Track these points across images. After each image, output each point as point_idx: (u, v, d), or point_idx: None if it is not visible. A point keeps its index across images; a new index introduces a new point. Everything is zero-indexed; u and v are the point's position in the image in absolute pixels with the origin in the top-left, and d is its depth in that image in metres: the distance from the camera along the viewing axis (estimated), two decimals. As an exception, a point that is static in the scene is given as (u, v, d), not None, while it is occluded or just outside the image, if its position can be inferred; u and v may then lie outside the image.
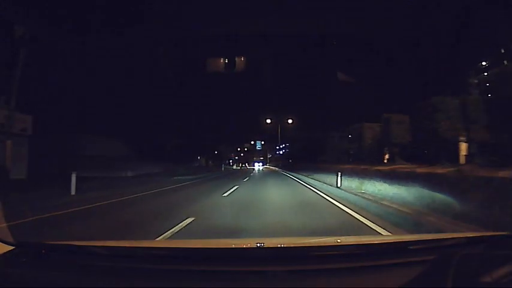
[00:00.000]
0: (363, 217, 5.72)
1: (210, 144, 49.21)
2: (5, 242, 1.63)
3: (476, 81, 15.74)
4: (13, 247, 1.61)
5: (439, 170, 6.31)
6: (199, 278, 1.39)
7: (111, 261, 1.55)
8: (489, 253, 1.51)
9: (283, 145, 68.36)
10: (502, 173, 4.39)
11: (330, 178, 13.11)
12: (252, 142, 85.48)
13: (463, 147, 9.94)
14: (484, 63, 18.14)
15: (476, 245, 1.68)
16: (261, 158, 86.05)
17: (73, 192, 9.70)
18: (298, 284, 1.36)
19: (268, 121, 45.81)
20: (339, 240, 2.10)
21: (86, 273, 1.44)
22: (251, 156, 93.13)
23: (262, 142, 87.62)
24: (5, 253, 1.57)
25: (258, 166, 71.57)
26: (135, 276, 1.41)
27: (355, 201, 7.95)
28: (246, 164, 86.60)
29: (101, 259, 1.58)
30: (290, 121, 45.01)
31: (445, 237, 2.07)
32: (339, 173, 11.74)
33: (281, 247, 1.93)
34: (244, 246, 2.04)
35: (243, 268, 1.45)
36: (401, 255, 1.54)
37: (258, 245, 1.90)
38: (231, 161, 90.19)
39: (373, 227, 4.91)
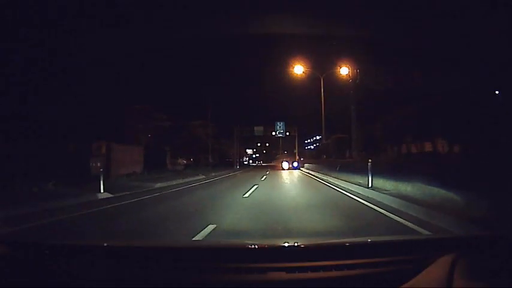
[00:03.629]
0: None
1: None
2: (4, 242, 1.66)
3: None
4: (13, 247, 1.62)
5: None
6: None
7: (112, 261, 1.53)
8: (487, 253, 1.53)
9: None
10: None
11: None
12: (273, 133, 59.68)
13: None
14: None
15: (475, 245, 1.68)
16: (285, 153, 61.07)
17: None
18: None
19: (300, 71, 21.98)
20: (339, 240, 2.14)
21: (88, 273, 1.42)
22: (275, 151, 70.33)
23: (288, 133, 61.09)
24: (5, 253, 1.56)
25: (286, 165, 37.57)
26: (134, 277, 1.40)
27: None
28: (261, 162, 64.79)
29: (103, 259, 1.56)
30: (345, 71, 21.34)
31: (444, 237, 2.24)
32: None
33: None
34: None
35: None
36: (402, 256, 1.55)
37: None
38: (246, 158, 69.63)
39: None
